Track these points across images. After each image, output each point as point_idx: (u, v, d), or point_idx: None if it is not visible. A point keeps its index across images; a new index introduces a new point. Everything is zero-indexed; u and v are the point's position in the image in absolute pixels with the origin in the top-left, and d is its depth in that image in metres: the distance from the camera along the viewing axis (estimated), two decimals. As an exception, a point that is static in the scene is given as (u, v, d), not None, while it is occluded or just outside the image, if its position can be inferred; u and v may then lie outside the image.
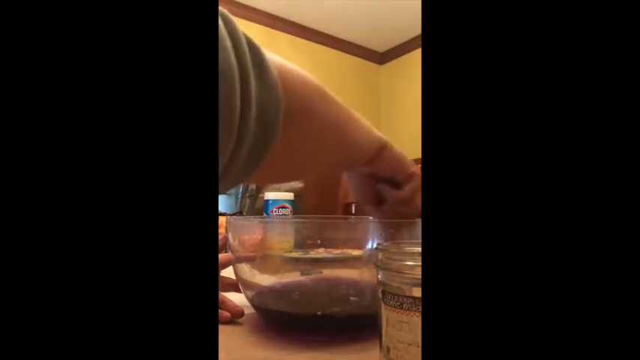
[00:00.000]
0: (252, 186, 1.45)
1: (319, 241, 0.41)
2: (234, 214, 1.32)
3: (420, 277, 0.24)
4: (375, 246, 0.31)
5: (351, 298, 0.42)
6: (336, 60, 3.40)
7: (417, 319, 0.24)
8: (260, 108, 0.22)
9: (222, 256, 0.50)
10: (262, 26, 2.98)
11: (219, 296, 0.44)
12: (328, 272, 0.44)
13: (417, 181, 0.41)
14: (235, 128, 0.20)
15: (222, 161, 0.21)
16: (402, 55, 3.44)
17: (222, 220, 0.81)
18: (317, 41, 3.29)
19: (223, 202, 1.49)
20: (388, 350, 0.26)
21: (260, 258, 0.43)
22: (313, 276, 0.45)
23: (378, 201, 0.43)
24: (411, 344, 0.25)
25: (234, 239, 0.44)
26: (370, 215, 0.44)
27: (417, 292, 0.25)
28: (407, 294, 0.25)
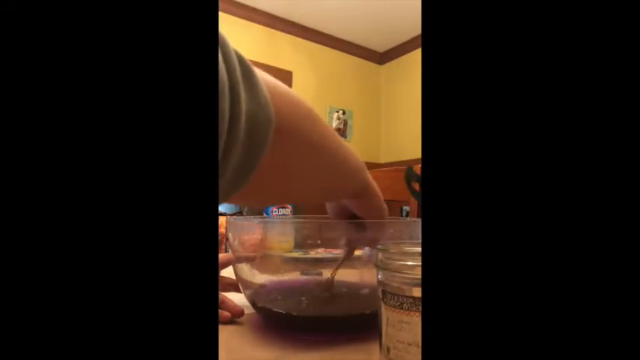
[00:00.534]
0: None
1: (319, 241, 0.41)
2: (234, 214, 1.32)
3: (420, 277, 0.24)
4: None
5: (351, 298, 0.42)
6: (336, 60, 3.41)
7: (417, 319, 0.24)
8: (249, 120, 0.22)
9: (222, 256, 0.50)
10: (262, 26, 2.98)
11: (219, 296, 0.44)
12: (328, 273, 0.44)
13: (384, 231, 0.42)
14: (223, 138, 0.20)
15: None
16: (402, 55, 3.44)
17: (222, 220, 0.81)
18: (317, 41, 3.29)
19: (223, 202, 1.48)
20: (388, 350, 0.26)
21: (260, 258, 0.43)
22: (313, 276, 0.45)
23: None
24: (411, 344, 0.25)
25: (234, 239, 0.44)
26: None
27: (417, 292, 0.25)
28: (407, 294, 0.25)
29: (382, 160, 3.49)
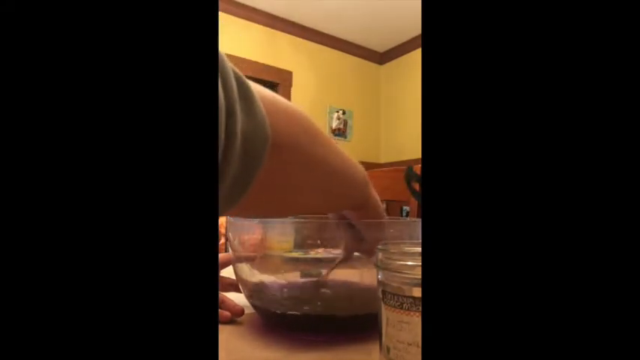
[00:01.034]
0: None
1: (319, 241, 0.41)
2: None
3: (420, 277, 0.24)
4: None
5: (351, 298, 0.42)
6: (336, 60, 3.41)
7: (417, 319, 0.24)
8: (245, 139, 0.22)
9: (222, 256, 0.50)
10: (262, 26, 2.98)
11: (220, 296, 0.44)
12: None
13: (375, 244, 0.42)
14: (219, 157, 0.20)
15: None
16: (402, 55, 3.44)
17: (222, 220, 0.81)
18: (317, 41, 3.29)
19: (223, 202, 1.48)
20: (388, 350, 0.26)
21: (260, 258, 0.43)
22: (313, 276, 0.45)
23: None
24: (411, 344, 0.25)
25: (234, 239, 0.44)
26: None
27: (417, 292, 0.25)
28: (407, 294, 0.25)
29: (382, 160, 3.49)
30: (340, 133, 3.38)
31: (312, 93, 3.24)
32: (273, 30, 3.05)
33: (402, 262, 0.26)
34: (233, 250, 0.45)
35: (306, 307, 0.40)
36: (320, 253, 0.44)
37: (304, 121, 0.29)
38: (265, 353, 0.35)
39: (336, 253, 0.43)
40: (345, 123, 3.42)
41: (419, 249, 0.28)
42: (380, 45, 3.49)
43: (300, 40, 3.20)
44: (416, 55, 3.30)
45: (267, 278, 0.44)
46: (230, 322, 0.42)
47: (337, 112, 3.38)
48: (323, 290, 0.43)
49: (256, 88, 0.24)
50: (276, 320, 0.41)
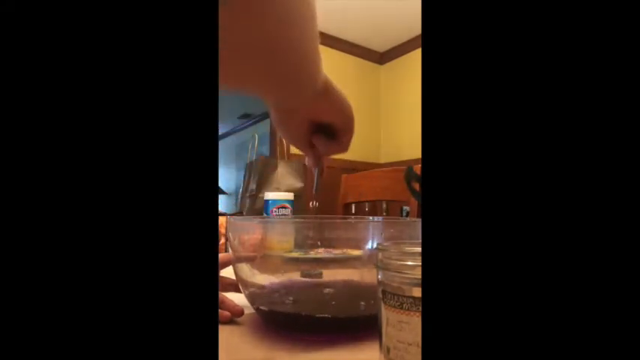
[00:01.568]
0: (253, 186, 1.45)
1: (319, 241, 0.41)
2: (234, 214, 1.32)
3: (420, 277, 0.24)
4: (375, 246, 0.31)
5: (351, 298, 0.42)
6: (336, 60, 3.40)
7: (417, 319, 0.24)
8: None
9: (222, 256, 0.50)
10: (262, 26, 2.97)
11: (220, 296, 0.44)
12: (328, 272, 0.44)
13: (352, 130, 0.42)
14: None
15: None
16: (402, 55, 3.44)
17: (222, 220, 0.81)
18: (317, 41, 3.28)
19: (223, 202, 1.49)
20: (388, 350, 0.26)
21: (260, 258, 0.43)
22: (313, 276, 0.45)
23: (311, 146, 0.43)
24: (411, 344, 0.25)
25: (234, 239, 0.44)
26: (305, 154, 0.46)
27: (417, 292, 0.25)
28: (407, 294, 0.25)
29: (382, 160, 3.49)
30: (340, 133, 3.36)
31: (312, 93, 3.23)
32: (273, 30, 3.04)
33: (402, 262, 0.26)
34: (233, 250, 0.45)
35: (306, 307, 0.40)
36: (320, 253, 0.44)
37: None
38: (265, 353, 0.35)
39: (336, 253, 0.43)
40: (345, 123, 3.41)
41: (419, 249, 0.27)
42: (380, 45, 3.49)
43: (300, 40, 3.19)
44: (416, 55, 3.30)
45: (267, 278, 0.44)
46: (230, 322, 0.42)
47: (337, 112, 3.37)
48: (324, 290, 0.43)
49: None
50: (276, 320, 0.41)
